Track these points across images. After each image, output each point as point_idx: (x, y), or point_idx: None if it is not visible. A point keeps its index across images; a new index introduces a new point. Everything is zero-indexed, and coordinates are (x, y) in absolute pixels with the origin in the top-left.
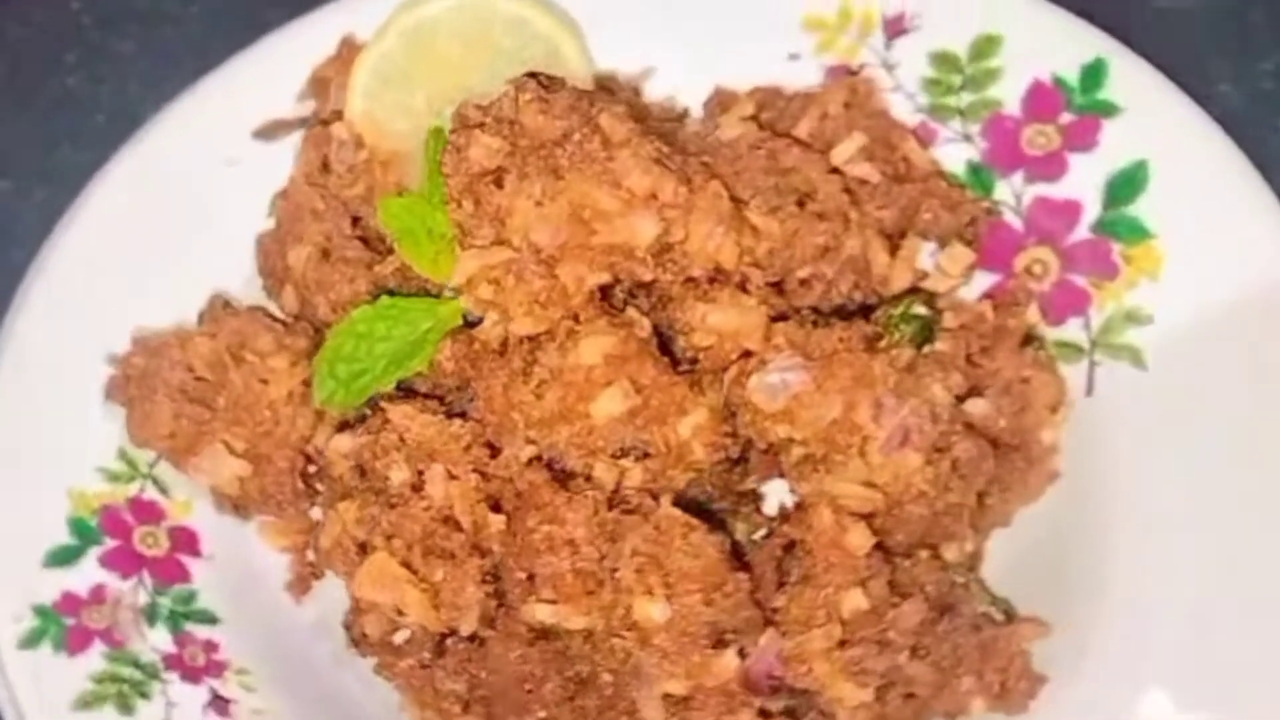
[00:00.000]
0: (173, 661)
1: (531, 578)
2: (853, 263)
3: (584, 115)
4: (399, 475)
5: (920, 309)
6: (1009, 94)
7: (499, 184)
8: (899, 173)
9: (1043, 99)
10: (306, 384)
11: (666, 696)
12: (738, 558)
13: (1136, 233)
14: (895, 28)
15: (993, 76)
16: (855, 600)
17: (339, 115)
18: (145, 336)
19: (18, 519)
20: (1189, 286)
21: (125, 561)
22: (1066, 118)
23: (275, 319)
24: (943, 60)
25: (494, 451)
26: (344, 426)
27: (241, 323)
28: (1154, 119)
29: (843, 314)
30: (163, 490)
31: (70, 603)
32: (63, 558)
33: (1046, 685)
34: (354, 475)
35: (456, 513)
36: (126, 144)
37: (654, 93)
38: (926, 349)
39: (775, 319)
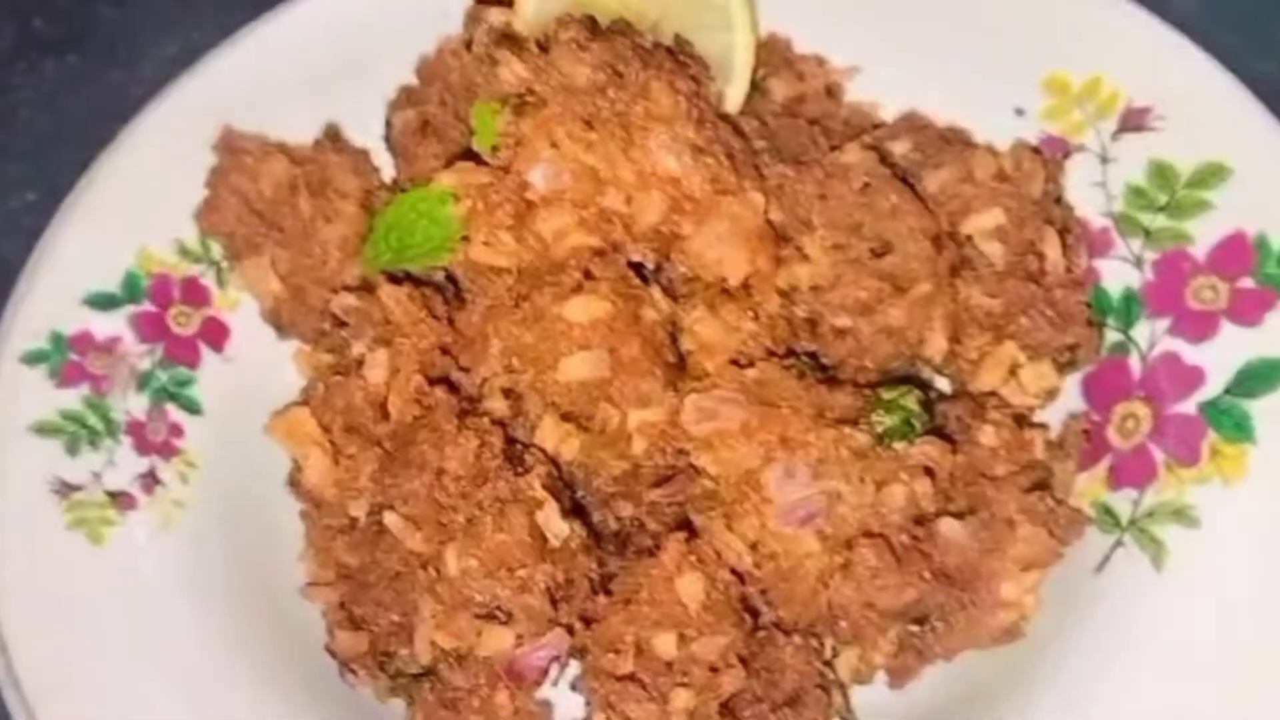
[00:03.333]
0: (135, 428)
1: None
2: (895, 333)
3: (622, 74)
4: (358, 348)
5: (911, 403)
6: (1204, 235)
7: (521, 111)
8: (1028, 268)
9: (1234, 254)
10: (364, 238)
11: (434, 644)
12: (595, 560)
13: (1239, 431)
14: (1133, 120)
15: (1198, 209)
16: (663, 645)
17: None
18: (234, 134)
19: (84, 253)
20: (1253, 513)
21: (151, 327)
22: (1245, 282)
23: (373, 169)
24: (1160, 172)
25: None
26: (367, 288)
27: (338, 159)
28: None
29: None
30: (221, 282)
31: (83, 342)
32: (101, 302)
33: None
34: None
35: (389, 403)
36: None
37: (858, 92)
38: (902, 445)
39: (774, 354)
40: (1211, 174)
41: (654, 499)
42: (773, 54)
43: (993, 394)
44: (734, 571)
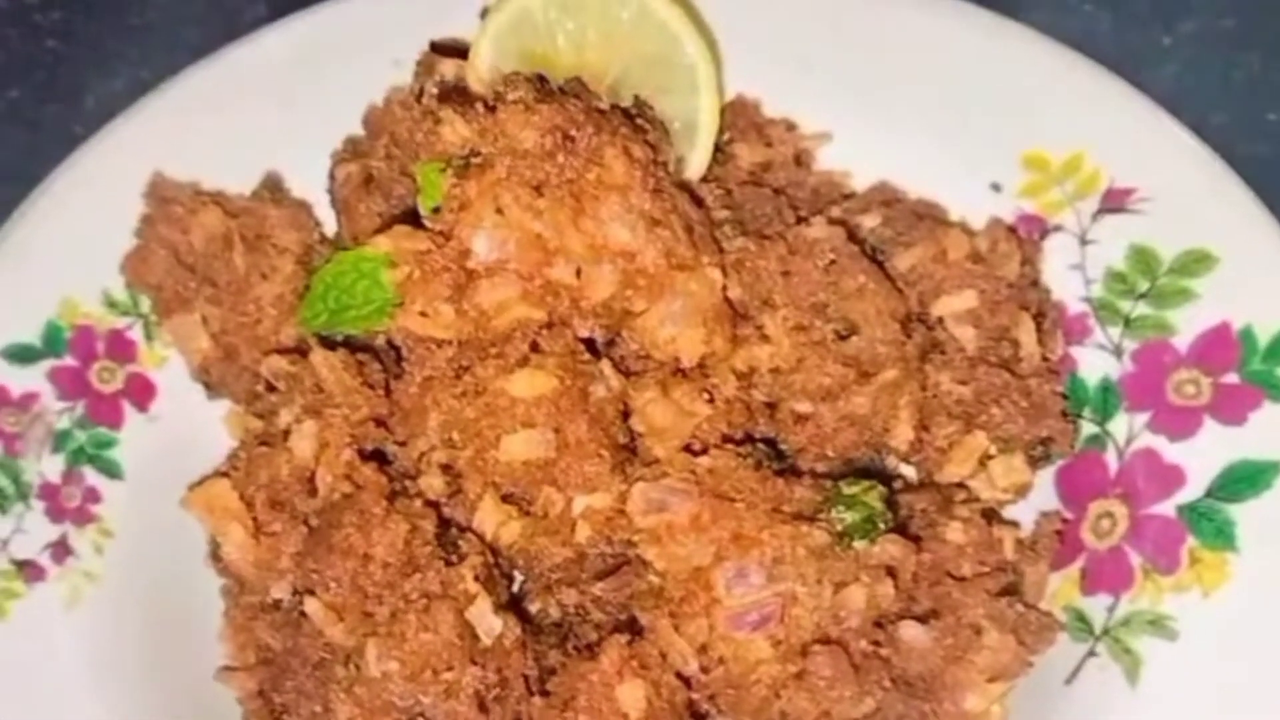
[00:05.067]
0: (48, 492)
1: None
2: (859, 421)
3: (573, 138)
4: (286, 416)
5: (874, 500)
6: (1186, 326)
7: (465, 173)
8: (1001, 354)
9: (1218, 347)
10: (301, 296)
11: None
12: (531, 656)
13: (1221, 539)
14: (1115, 200)
15: (1181, 299)
16: None
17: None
18: (164, 182)
19: (3, 302)
20: (1233, 628)
21: (72, 384)
22: (1230, 378)
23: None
24: (1141, 257)
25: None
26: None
27: (276, 212)
28: None
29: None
30: (149, 336)
31: None
32: (19, 356)
33: None
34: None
35: (317, 478)
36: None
37: (828, 160)
38: (863, 544)
39: (730, 440)
40: (1196, 261)
41: (597, 592)
42: (740, 117)
43: (961, 486)
44: (680, 676)
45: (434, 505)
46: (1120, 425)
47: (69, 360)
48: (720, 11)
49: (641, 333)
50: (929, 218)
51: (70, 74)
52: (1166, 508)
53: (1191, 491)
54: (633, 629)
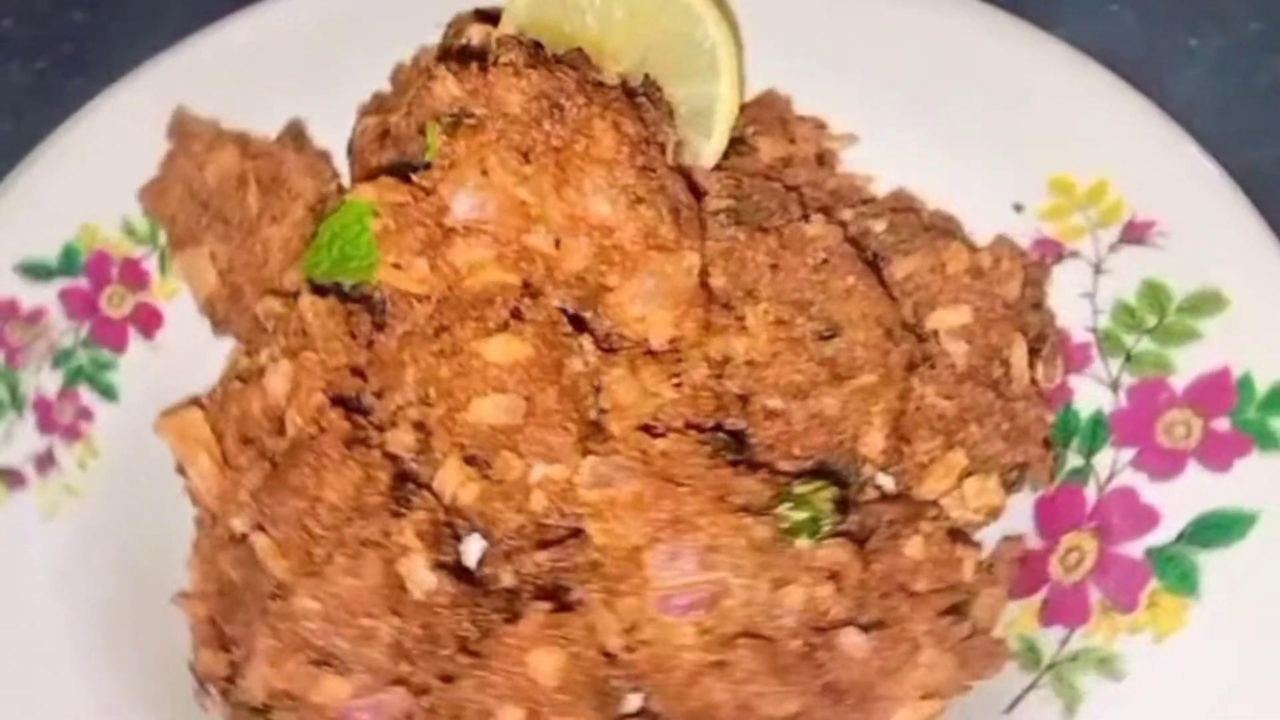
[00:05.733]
0: (41, 405)
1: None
2: (828, 422)
3: (562, 107)
4: (264, 355)
5: (821, 501)
6: (1187, 365)
7: (454, 132)
8: (991, 374)
9: (1215, 391)
10: (308, 242)
11: (265, 682)
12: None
13: (1183, 583)
14: (1136, 232)
15: (1186, 338)
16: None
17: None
18: (186, 118)
19: (24, 220)
20: (1179, 675)
21: (81, 305)
22: (1221, 423)
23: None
24: (1152, 292)
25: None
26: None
27: (295, 158)
28: None
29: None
30: (163, 268)
31: (7, 309)
32: (33, 271)
33: None
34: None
35: (286, 418)
36: None
37: (858, 163)
38: (806, 543)
39: (696, 428)
40: (1206, 302)
41: (539, 561)
42: (767, 110)
43: (933, 504)
44: (606, 654)
45: (393, 458)
46: (1104, 460)
47: (82, 282)
48: (759, 6)
49: (613, 309)
50: (936, 228)
51: (97, 47)
52: (1135, 548)
53: (1163, 534)
54: (563, 600)
